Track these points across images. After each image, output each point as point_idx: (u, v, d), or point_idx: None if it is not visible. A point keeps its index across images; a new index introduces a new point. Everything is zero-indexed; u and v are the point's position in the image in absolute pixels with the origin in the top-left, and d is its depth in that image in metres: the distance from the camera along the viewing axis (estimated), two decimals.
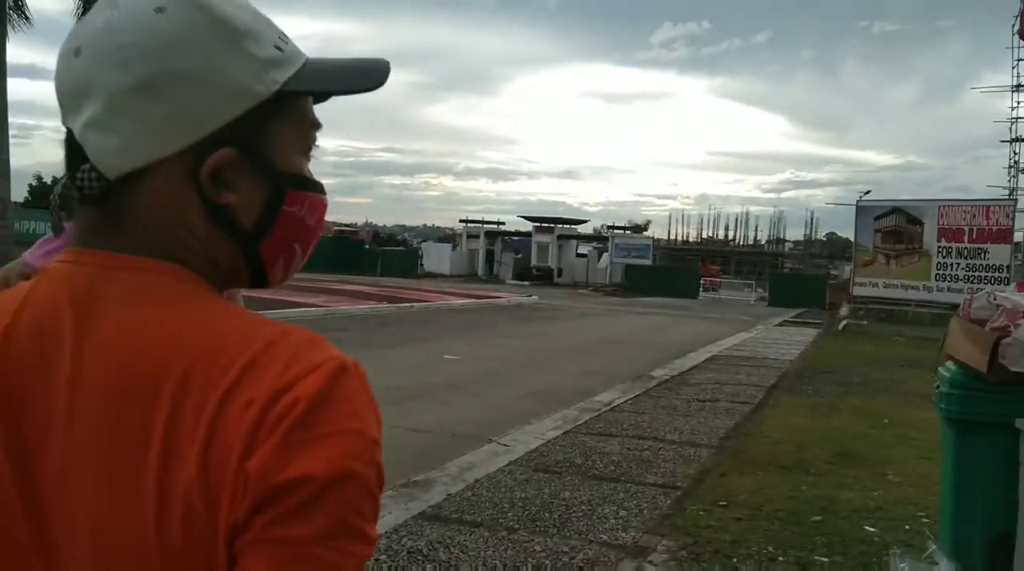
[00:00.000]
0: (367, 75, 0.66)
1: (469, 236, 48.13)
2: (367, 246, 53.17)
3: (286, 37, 0.65)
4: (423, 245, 55.16)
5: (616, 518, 4.52)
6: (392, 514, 4.35)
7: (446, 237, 61.98)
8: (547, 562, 3.81)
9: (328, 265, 32.99)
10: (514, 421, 7.25)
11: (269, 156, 0.62)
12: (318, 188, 0.66)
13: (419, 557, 3.83)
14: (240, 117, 0.60)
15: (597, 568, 3.76)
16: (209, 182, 0.59)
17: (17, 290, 0.62)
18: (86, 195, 0.59)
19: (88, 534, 0.55)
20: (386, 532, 4.11)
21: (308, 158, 0.67)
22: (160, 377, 0.54)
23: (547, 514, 4.53)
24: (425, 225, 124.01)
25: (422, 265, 45.31)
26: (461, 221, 51.12)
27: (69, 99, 0.60)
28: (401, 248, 60.39)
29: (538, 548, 3.99)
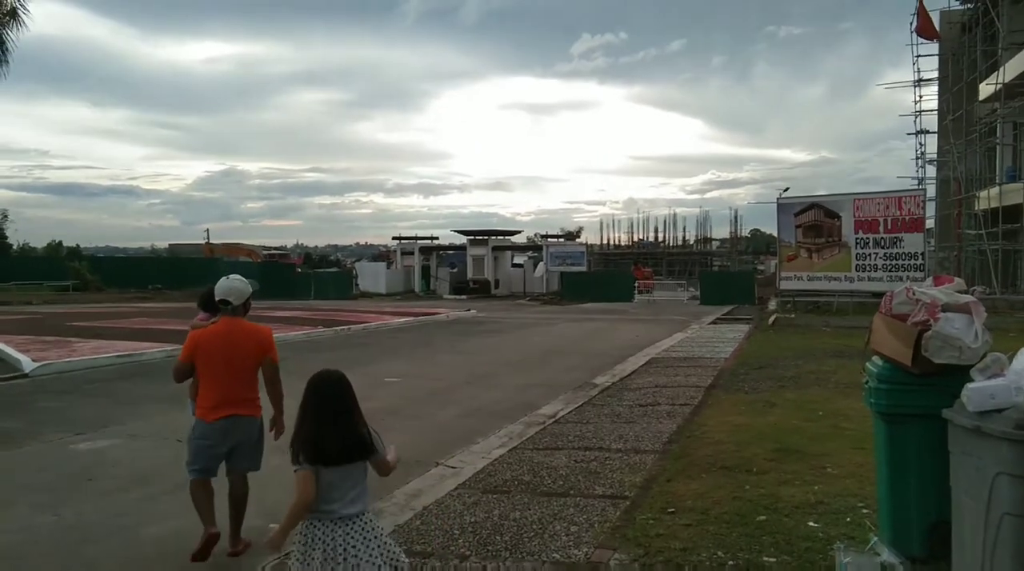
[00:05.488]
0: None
1: (403, 253, 47.73)
2: (299, 269, 52.14)
3: None
4: (357, 265, 54.38)
5: (568, 535, 4.51)
6: None
7: (380, 255, 61.32)
8: None
9: (258, 291, 32.14)
10: (460, 442, 7.18)
11: None
12: None
13: None
14: None
15: None
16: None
17: (214, 325, 4.54)
18: (231, 307, 4.51)
19: (238, 359, 4.40)
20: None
21: None
22: (249, 333, 4.49)
23: (498, 537, 4.48)
24: (357, 243, 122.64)
25: (357, 285, 44.65)
26: (394, 238, 50.67)
27: (232, 295, 4.51)
28: (334, 269, 59.41)
29: None
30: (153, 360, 13.28)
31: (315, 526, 2.87)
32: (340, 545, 2.85)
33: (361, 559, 2.85)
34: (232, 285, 4.54)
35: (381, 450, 3.07)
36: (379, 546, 2.94)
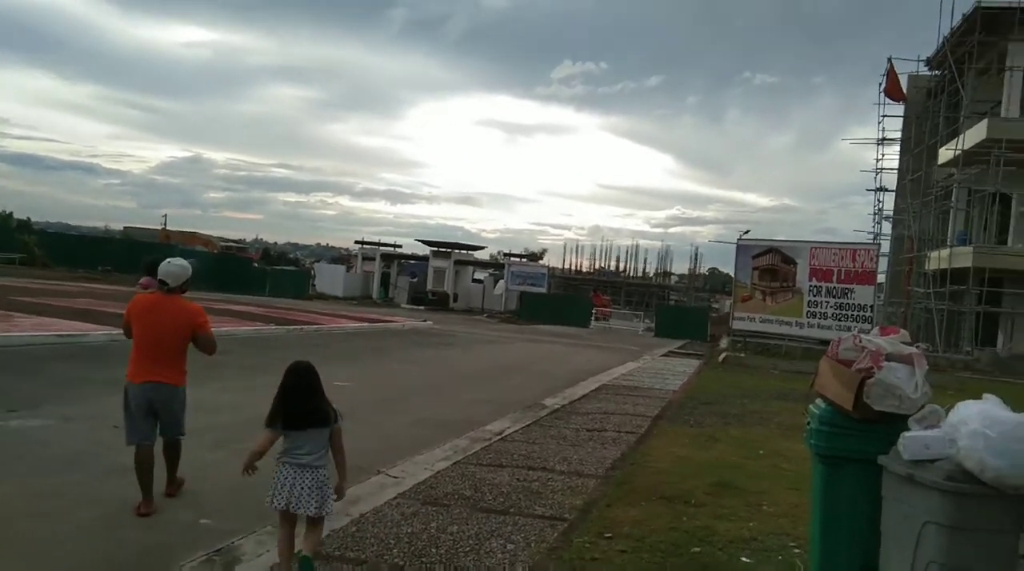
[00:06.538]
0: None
1: (365, 258, 47.31)
2: (256, 264, 51.30)
3: None
4: (316, 265, 53.70)
5: (504, 552, 4.49)
6: (271, 552, 4.15)
7: (340, 258, 60.67)
8: None
9: (212, 283, 31.53)
10: (404, 451, 7.12)
11: None
12: None
13: None
14: None
15: None
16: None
17: (151, 295, 5.21)
18: (168, 288, 5.13)
19: (164, 330, 5.02)
20: None
21: None
22: (180, 309, 5.12)
23: (434, 549, 4.45)
24: (319, 244, 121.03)
25: (314, 286, 44.08)
26: (357, 242, 50.21)
27: (170, 277, 5.14)
28: (292, 267, 58.56)
29: None
30: (95, 343, 12.91)
31: (285, 467, 3.87)
32: (296, 483, 3.83)
33: (303, 494, 3.81)
34: (170, 269, 5.18)
35: (338, 422, 4.05)
36: (318, 492, 3.86)
